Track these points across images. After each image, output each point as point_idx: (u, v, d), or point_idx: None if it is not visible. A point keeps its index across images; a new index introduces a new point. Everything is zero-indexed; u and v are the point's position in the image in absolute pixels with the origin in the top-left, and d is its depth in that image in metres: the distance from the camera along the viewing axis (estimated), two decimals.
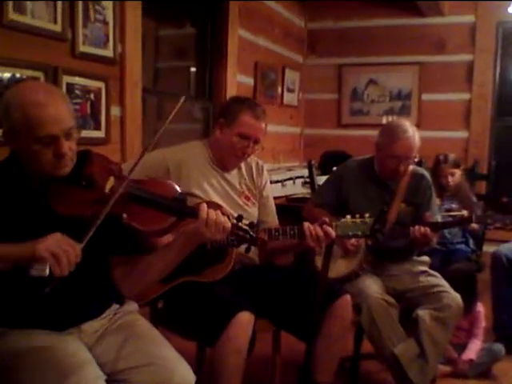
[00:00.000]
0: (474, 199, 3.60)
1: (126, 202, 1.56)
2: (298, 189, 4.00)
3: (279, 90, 4.53)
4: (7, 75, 2.28)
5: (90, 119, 2.68)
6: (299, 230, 2.04)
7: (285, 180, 3.86)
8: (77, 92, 2.59)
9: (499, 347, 3.00)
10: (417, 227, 2.44)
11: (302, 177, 4.04)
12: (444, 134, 4.58)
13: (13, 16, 2.26)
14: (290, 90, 4.71)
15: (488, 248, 3.57)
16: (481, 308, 3.07)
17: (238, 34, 3.91)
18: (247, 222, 1.74)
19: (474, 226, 3.15)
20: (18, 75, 2.31)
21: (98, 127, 2.72)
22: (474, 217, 2.58)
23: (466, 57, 4.61)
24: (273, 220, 2.38)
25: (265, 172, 2.42)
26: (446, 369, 2.90)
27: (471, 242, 3.51)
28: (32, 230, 1.45)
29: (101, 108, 2.73)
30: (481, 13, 4.52)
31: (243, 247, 1.81)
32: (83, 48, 2.62)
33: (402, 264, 2.67)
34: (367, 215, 2.03)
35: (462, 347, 2.98)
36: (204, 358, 2.09)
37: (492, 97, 4.58)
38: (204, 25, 3.87)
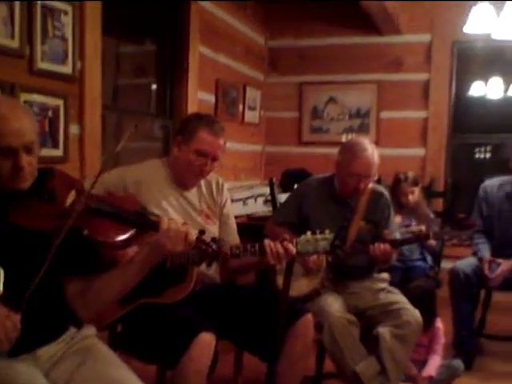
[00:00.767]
0: (432, 216, 3.67)
1: (87, 216, 1.57)
2: (259, 207, 4.00)
3: (240, 107, 4.55)
4: None
5: (48, 137, 2.62)
6: (260, 247, 2.03)
7: (246, 198, 3.86)
8: (34, 109, 2.53)
9: (458, 363, 3.04)
10: (376, 244, 2.48)
11: (263, 195, 4.04)
12: (402, 151, 4.67)
13: None
14: (251, 108, 4.73)
15: (446, 264, 3.63)
16: (440, 324, 3.11)
17: (198, 51, 3.92)
18: (209, 236, 1.75)
19: (432, 242, 3.21)
20: None
21: (56, 145, 2.67)
22: (431, 233, 2.63)
23: (423, 75, 4.72)
24: (234, 239, 2.36)
25: (225, 190, 2.41)
26: None
27: (429, 258, 3.56)
28: None
29: (59, 126, 2.68)
30: (437, 32, 4.64)
31: (204, 264, 1.80)
32: (41, 65, 2.57)
33: (363, 281, 2.69)
34: (327, 231, 2.04)
35: (421, 363, 3.00)
36: (164, 381, 2.04)
37: (448, 115, 4.70)
38: (165, 42, 3.86)
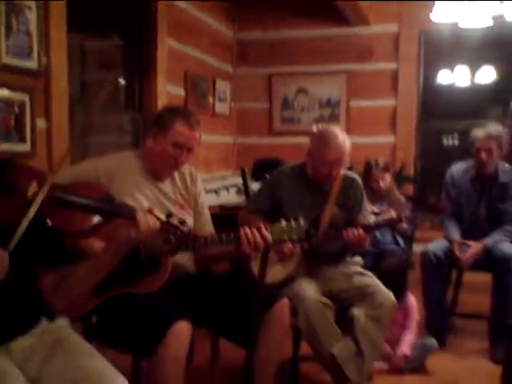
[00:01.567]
0: (403, 201, 3.73)
1: (50, 205, 1.55)
2: (232, 197, 4.01)
3: (210, 99, 4.55)
4: None
5: (13, 132, 2.59)
6: (235, 236, 2.05)
7: (219, 189, 3.87)
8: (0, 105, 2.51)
9: (432, 341, 3.11)
10: (350, 230, 2.51)
11: (235, 185, 4.05)
12: (372, 139, 4.73)
13: None
14: (222, 100, 4.74)
15: (417, 248, 3.70)
16: (413, 301, 3.17)
17: (166, 44, 3.91)
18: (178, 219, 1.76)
19: (404, 226, 3.26)
20: None
21: (22, 140, 2.64)
22: (403, 217, 2.67)
23: (391, 64, 4.79)
24: (209, 229, 2.37)
25: (199, 180, 2.42)
26: (382, 365, 2.98)
27: (401, 242, 3.62)
28: None
29: (25, 121, 2.65)
30: (404, 21, 4.71)
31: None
32: (6, 59, 2.54)
33: (337, 266, 2.73)
34: (302, 219, 2.06)
35: (396, 342, 3.07)
36: (140, 370, 2.05)
37: (416, 102, 4.77)
38: (132, 35, 3.84)
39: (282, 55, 4.99)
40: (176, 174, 2.34)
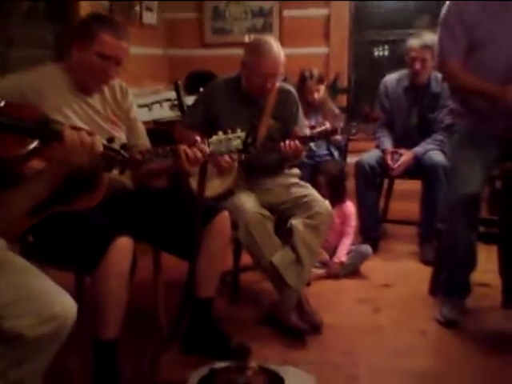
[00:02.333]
0: (337, 112, 3.76)
1: None
2: (165, 112, 3.90)
3: (137, 8, 4.31)
4: None
5: None
6: (173, 150, 2.00)
7: (151, 104, 3.74)
8: None
9: (366, 247, 3.25)
10: (287, 141, 2.51)
11: (169, 100, 3.93)
12: (305, 50, 4.65)
13: None
14: (149, 9, 4.50)
15: (351, 159, 3.77)
16: (352, 207, 3.27)
17: None
18: (119, 143, 1.69)
19: (338, 137, 3.30)
20: None
21: None
22: (339, 128, 2.69)
23: None
24: (145, 143, 2.31)
25: (129, 94, 2.31)
26: (320, 271, 3.10)
27: (336, 153, 3.68)
28: None
29: None
30: None
31: (116, 170, 1.76)
32: None
33: (275, 178, 2.75)
34: (239, 130, 2.04)
35: (333, 250, 3.19)
36: (83, 286, 2.04)
37: (349, 12, 4.70)
38: None
39: None
40: (105, 89, 2.22)
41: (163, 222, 2.17)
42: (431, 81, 3.53)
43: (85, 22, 2.14)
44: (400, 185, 3.78)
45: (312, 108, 3.60)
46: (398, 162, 3.47)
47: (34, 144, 1.54)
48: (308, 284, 2.76)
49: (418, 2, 4.71)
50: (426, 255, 3.34)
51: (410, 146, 3.55)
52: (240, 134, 2.04)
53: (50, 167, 1.63)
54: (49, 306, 1.48)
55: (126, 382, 2.02)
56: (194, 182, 2.46)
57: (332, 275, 3.12)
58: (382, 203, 3.76)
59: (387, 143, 3.58)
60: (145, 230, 2.13)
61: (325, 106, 3.66)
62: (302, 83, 3.64)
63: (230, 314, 2.65)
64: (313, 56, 4.64)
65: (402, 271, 3.24)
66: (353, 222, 3.25)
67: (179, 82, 3.27)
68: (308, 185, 2.75)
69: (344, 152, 3.78)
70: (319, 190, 2.76)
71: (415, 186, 3.51)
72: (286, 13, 4.74)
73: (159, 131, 3.30)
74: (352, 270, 3.17)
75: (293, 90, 2.84)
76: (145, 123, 2.46)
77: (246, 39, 4.66)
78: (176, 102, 3.65)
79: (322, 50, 4.72)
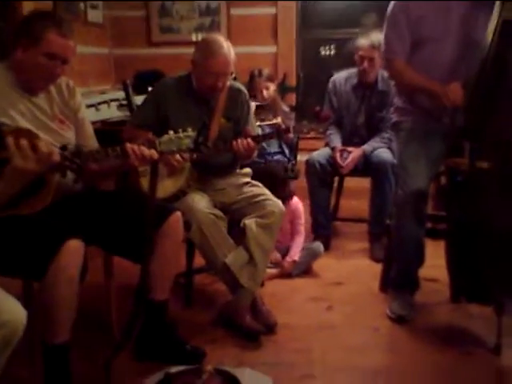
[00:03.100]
0: (287, 110, 3.77)
1: None
2: (113, 112, 3.80)
3: (82, 5, 4.19)
4: None
5: None
6: (122, 149, 1.96)
7: (98, 104, 3.64)
8: None
9: (318, 245, 3.28)
10: (239, 141, 2.50)
11: (116, 99, 3.84)
12: (254, 49, 4.65)
13: None
14: (94, 7, 4.39)
15: (302, 157, 3.79)
16: (298, 204, 3.28)
17: None
18: (72, 150, 1.65)
19: (290, 136, 3.31)
20: None
21: None
22: (291, 127, 2.70)
23: None
24: (93, 143, 2.25)
25: (77, 93, 2.25)
26: (273, 271, 3.10)
27: (287, 152, 3.69)
28: None
29: None
30: None
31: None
32: None
33: (227, 178, 2.73)
34: (190, 129, 2.02)
35: (286, 249, 3.19)
36: (32, 292, 1.97)
37: (296, 11, 4.72)
38: None
39: None
40: (52, 87, 2.16)
41: (113, 225, 2.12)
42: (378, 79, 3.59)
43: (29, 20, 2.07)
44: (350, 182, 3.83)
45: (262, 106, 3.60)
46: (347, 160, 3.51)
47: None
48: (262, 284, 2.75)
49: (365, 1, 4.77)
50: (376, 252, 3.39)
51: (358, 144, 3.60)
52: (191, 133, 2.02)
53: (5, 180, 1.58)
54: None
55: None
56: (145, 182, 2.41)
57: (285, 275, 3.13)
58: (333, 201, 3.79)
59: (337, 141, 3.61)
60: (95, 233, 2.07)
61: (275, 104, 3.66)
62: (252, 81, 3.64)
63: (183, 317, 2.62)
64: (261, 55, 4.64)
65: (353, 269, 3.28)
66: (302, 219, 3.26)
67: (128, 82, 3.21)
68: (260, 184, 2.75)
69: (295, 150, 3.80)
70: None
71: (365, 183, 3.56)
72: (234, 11, 4.71)
73: (107, 132, 3.22)
74: (304, 269, 3.19)
75: (243, 88, 2.83)
76: (92, 123, 2.40)
77: (194, 38, 4.63)
78: (124, 102, 3.57)
79: (270, 48, 4.72)
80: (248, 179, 2.78)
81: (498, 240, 2.12)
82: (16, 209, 1.87)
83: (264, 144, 3.45)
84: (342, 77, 3.72)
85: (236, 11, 4.72)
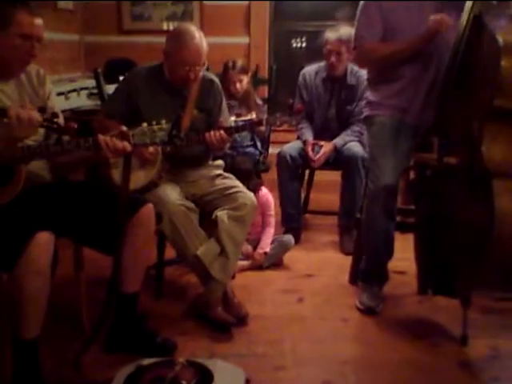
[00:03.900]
0: (260, 103, 3.77)
1: None
2: (83, 101, 3.74)
3: None
4: None
5: None
6: (94, 141, 1.93)
7: (68, 92, 3.58)
8: None
9: (288, 238, 3.30)
10: (212, 132, 2.49)
11: (86, 88, 3.78)
12: (227, 39, 4.62)
13: None
14: None
15: (273, 150, 3.80)
16: (268, 195, 3.28)
17: None
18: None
19: (263, 128, 3.31)
20: None
21: None
22: (264, 119, 2.70)
23: None
24: None
25: (47, 81, 2.22)
26: (244, 263, 3.11)
27: (259, 144, 3.70)
28: None
29: None
30: None
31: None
32: None
33: (199, 169, 2.72)
34: (164, 121, 2.00)
35: (256, 241, 3.20)
36: (1, 284, 1.93)
37: (270, 2, 4.71)
38: None
39: None
40: (22, 75, 2.12)
41: (84, 216, 2.10)
42: (347, 73, 3.60)
43: None
44: (321, 176, 3.85)
45: (235, 99, 3.59)
46: (319, 154, 3.53)
47: None
48: (233, 276, 2.76)
49: None
50: (346, 245, 3.43)
51: (329, 137, 3.62)
52: (165, 125, 2.00)
53: None
54: None
55: (48, 383, 1.94)
56: (116, 174, 2.39)
57: (256, 266, 3.14)
58: (303, 194, 3.81)
59: (308, 135, 3.63)
60: (65, 225, 2.05)
61: (249, 97, 3.65)
62: (225, 73, 3.62)
63: (155, 309, 2.61)
64: (234, 46, 4.62)
65: (323, 261, 3.31)
66: (272, 211, 3.26)
67: (99, 70, 3.16)
68: (232, 176, 2.75)
69: (267, 143, 3.80)
70: None
71: (335, 176, 3.59)
72: (207, 1, 4.68)
73: (77, 120, 3.16)
74: (275, 261, 3.20)
75: (216, 79, 2.82)
76: (62, 112, 2.36)
77: (165, 27, 4.58)
78: (94, 91, 3.52)
79: (243, 39, 4.70)
80: (220, 171, 2.77)
81: (463, 234, 2.16)
82: None
83: (236, 136, 3.44)
84: (312, 70, 3.73)
85: (209, 1, 4.68)
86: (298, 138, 3.71)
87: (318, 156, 3.52)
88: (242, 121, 3.17)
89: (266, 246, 3.17)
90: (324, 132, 3.67)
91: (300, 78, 3.75)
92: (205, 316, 2.51)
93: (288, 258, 3.27)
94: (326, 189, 3.82)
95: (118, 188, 2.14)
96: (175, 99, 2.63)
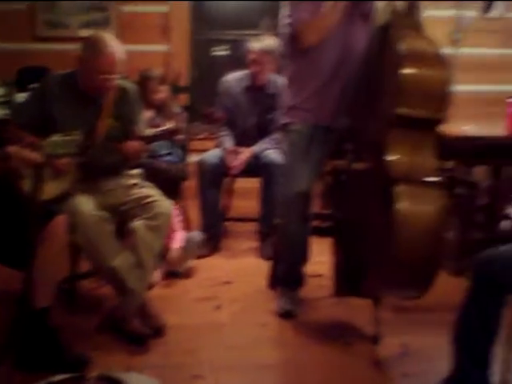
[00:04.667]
0: (179, 111, 3.76)
1: None
2: None
3: None
4: None
5: None
6: (4, 152, 1.88)
7: None
8: None
9: (195, 234, 3.29)
10: (129, 142, 2.47)
11: None
12: (146, 47, 4.57)
13: None
14: None
15: (192, 158, 3.80)
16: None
17: None
18: None
19: (181, 137, 3.30)
20: None
21: None
22: (182, 128, 2.70)
23: None
24: None
25: None
26: (159, 272, 3.06)
27: (178, 153, 3.68)
28: None
29: None
30: None
31: None
32: None
33: (115, 179, 2.68)
34: (76, 132, 1.97)
35: (166, 249, 3.15)
36: None
37: (190, 10, 4.70)
38: None
39: None
40: None
41: None
42: (269, 83, 3.67)
43: None
44: (240, 183, 3.89)
45: (153, 108, 3.56)
46: (237, 161, 3.56)
47: None
48: (150, 287, 2.73)
49: (264, 3, 4.83)
50: (265, 251, 3.47)
51: (250, 145, 3.66)
52: (77, 136, 1.97)
53: None
54: None
55: None
56: (27, 185, 2.32)
57: (171, 274, 3.11)
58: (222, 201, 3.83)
59: (228, 142, 3.66)
60: None
61: (166, 106, 3.64)
62: (143, 83, 3.58)
63: (67, 324, 2.53)
64: (153, 54, 4.56)
65: (242, 268, 3.34)
66: (177, 217, 3.25)
67: (10, 79, 3.06)
68: (150, 184, 2.72)
69: (185, 151, 3.80)
70: None
71: (255, 183, 3.63)
72: (125, 8, 4.61)
73: None
74: (190, 258, 3.18)
75: (133, 87, 2.79)
76: None
77: (82, 34, 4.48)
78: (5, 99, 3.41)
79: (162, 47, 4.67)
80: (137, 180, 2.74)
81: (372, 237, 2.25)
82: None
83: (154, 145, 3.41)
84: (233, 78, 3.77)
85: (127, 8, 4.62)
86: (217, 146, 3.72)
87: (235, 163, 3.55)
88: (160, 130, 3.15)
89: (176, 244, 3.15)
90: (245, 140, 3.71)
91: (222, 86, 3.77)
92: (120, 329, 2.46)
93: (207, 265, 3.28)
94: (246, 195, 3.85)
95: (27, 199, 2.08)
96: (90, 108, 2.58)
